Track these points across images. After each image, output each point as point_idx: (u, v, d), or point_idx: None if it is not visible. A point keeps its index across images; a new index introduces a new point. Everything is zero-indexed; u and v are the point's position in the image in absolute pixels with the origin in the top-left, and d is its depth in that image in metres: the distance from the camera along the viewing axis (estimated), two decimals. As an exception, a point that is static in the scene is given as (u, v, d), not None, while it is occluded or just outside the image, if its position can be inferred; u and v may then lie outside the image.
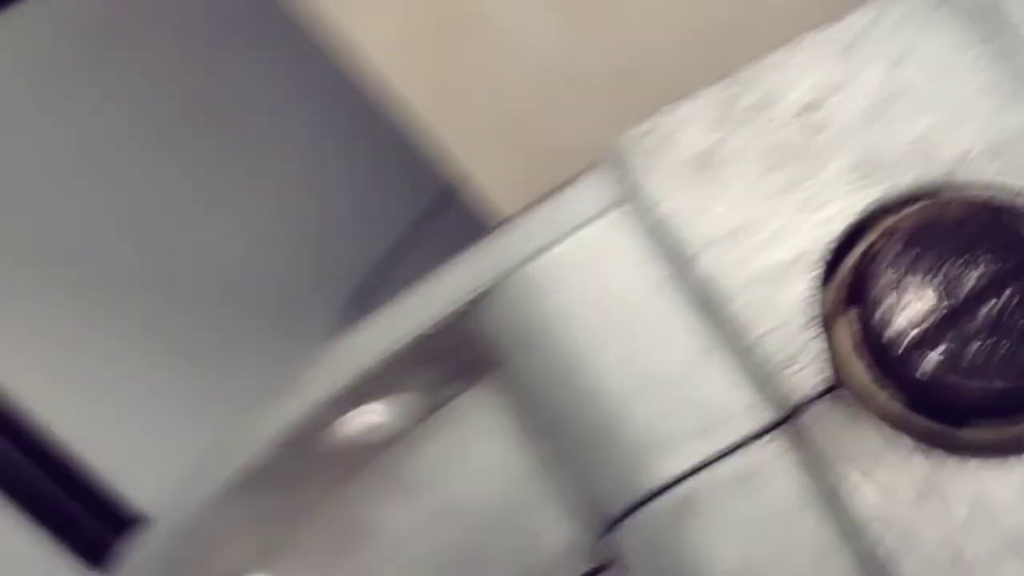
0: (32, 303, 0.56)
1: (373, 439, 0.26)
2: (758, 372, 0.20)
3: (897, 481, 0.19)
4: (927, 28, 0.21)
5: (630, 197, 0.22)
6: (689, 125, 0.21)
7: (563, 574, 0.24)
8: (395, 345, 0.23)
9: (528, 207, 0.22)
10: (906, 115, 0.21)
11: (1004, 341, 0.18)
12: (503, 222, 0.23)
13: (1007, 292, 0.19)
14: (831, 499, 0.19)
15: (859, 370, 0.20)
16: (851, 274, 0.20)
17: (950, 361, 0.18)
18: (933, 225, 0.19)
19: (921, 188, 0.20)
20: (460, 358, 0.24)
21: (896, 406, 0.19)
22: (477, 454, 0.25)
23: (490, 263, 0.22)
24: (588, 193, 0.22)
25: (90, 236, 0.59)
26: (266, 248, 0.58)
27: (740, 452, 0.20)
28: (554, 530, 0.23)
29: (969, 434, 0.19)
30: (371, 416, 0.25)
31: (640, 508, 0.21)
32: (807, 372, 0.20)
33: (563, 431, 0.22)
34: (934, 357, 0.18)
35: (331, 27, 0.48)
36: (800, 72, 0.21)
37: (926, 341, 0.19)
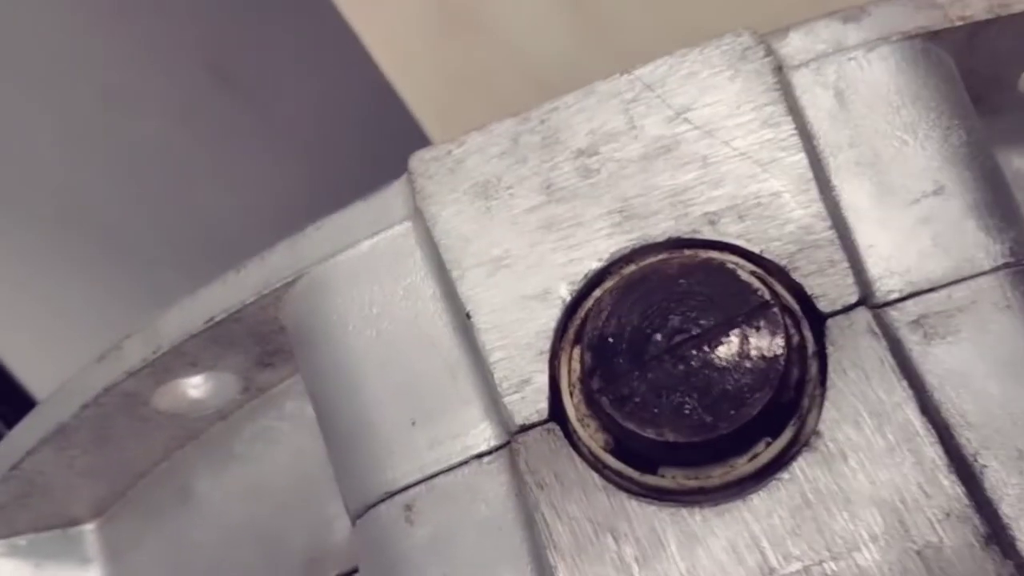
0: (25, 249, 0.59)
1: (195, 412, 0.28)
2: (491, 395, 0.22)
3: (580, 515, 0.20)
4: (712, 87, 0.22)
5: (414, 216, 0.23)
6: (475, 155, 0.23)
7: (349, 561, 0.26)
8: (192, 327, 0.24)
9: (338, 212, 0.24)
10: (671, 169, 0.22)
11: (689, 397, 0.19)
12: (312, 224, 0.24)
13: (700, 350, 0.20)
14: (528, 523, 0.21)
15: (571, 406, 0.21)
16: (584, 316, 0.21)
17: (635, 408, 0.19)
18: (650, 278, 0.20)
19: (668, 241, 0.21)
20: (267, 346, 0.26)
21: (594, 445, 0.20)
22: (287, 439, 0.27)
23: (291, 259, 0.24)
24: (381, 206, 0.23)
25: (94, 188, 0.62)
26: (264, 215, 0.60)
27: (462, 468, 0.22)
28: (345, 519, 0.25)
29: (651, 480, 0.20)
30: (190, 390, 0.27)
31: (370, 510, 0.22)
32: (529, 401, 0.21)
33: (329, 428, 0.24)
34: (624, 401, 0.20)
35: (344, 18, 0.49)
36: (584, 117, 0.22)
37: (622, 386, 0.20)
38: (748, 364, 0.19)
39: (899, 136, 0.22)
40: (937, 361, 0.20)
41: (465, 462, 0.21)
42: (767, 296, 0.19)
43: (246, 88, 0.60)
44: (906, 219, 0.21)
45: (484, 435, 0.21)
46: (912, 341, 0.20)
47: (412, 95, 0.50)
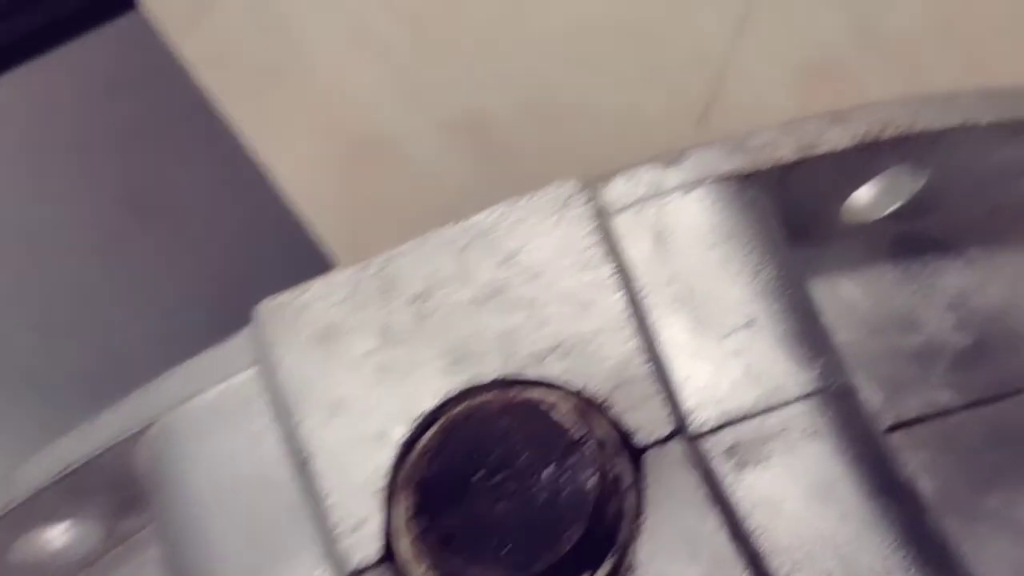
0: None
1: (57, 562, 0.28)
2: (327, 536, 0.22)
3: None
4: (536, 234, 0.23)
5: (260, 360, 0.24)
6: (319, 301, 0.24)
7: None
8: (48, 477, 0.25)
9: (191, 359, 0.25)
10: (500, 311, 0.23)
11: (508, 534, 0.20)
12: (169, 370, 0.25)
13: (518, 488, 0.20)
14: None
15: (406, 543, 0.22)
16: (416, 456, 0.22)
17: (459, 546, 0.20)
18: (473, 418, 0.21)
19: (496, 381, 0.22)
20: (125, 494, 0.26)
21: (428, 582, 0.21)
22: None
23: (142, 408, 0.25)
24: (228, 354, 0.24)
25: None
26: (176, 343, 0.60)
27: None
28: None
29: (483, 618, 0.20)
30: (51, 541, 0.27)
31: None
32: (363, 543, 0.22)
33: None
34: (448, 540, 0.20)
35: (251, 147, 0.51)
36: (420, 263, 0.24)
37: (446, 524, 0.20)
38: (562, 500, 0.20)
39: (713, 273, 0.23)
40: (749, 488, 0.21)
41: (303, 607, 0.22)
42: (580, 434, 0.20)
43: (160, 221, 0.61)
44: (720, 351, 0.22)
45: (322, 579, 0.22)
46: (725, 470, 0.21)
47: (321, 225, 0.51)
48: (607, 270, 0.23)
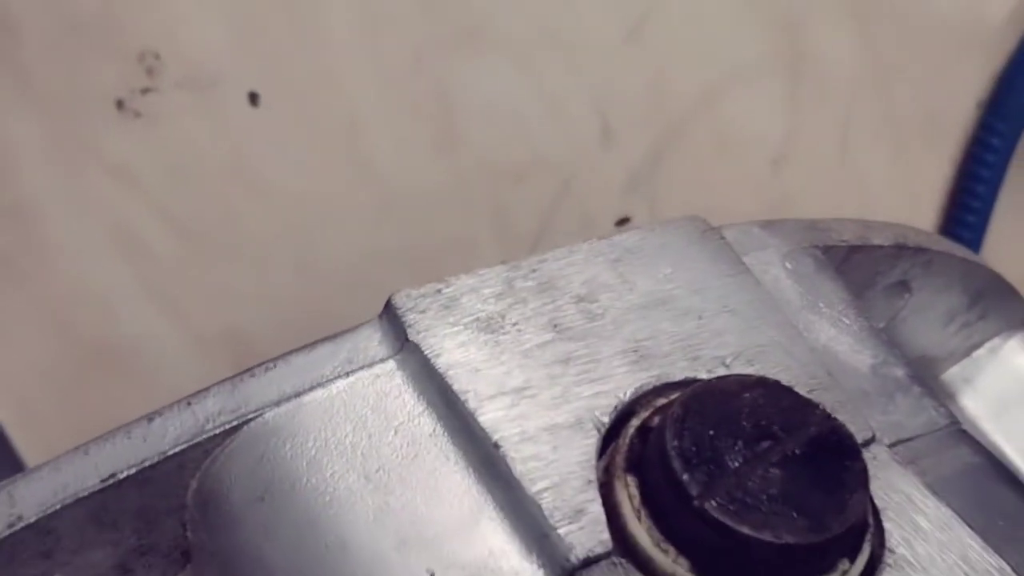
0: None
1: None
2: (534, 530, 0.18)
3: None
4: (685, 257, 0.23)
5: (404, 350, 0.20)
6: (470, 294, 0.21)
7: None
8: (82, 486, 0.19)
9: (293, 351, 0.20)
10: (671, 319, 0.22)
11: (792, 499, 0.18)
12: (263, 363, 0.20)
13: (788, 456, 0.19)
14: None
15: (641, 532, 0.18)
16: (629, 444, 0.19)
17: (741, 514, 0.18)
18: (712, 394, 0.19)
19: (688, 380, 0.21)
20: (145, 539, 0.20)
21: (680, 570, 0.18)
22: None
23: (232, 405, 0.20)
24: (354, 346, 0.20)
25: None
26: None
27: (511, 619, 0.18)
28: None
29: (754, 600, 0.18)
30: None
31: None
32: (586, 533, 0.18)
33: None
34: (726, 510, 0.18)
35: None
36: (576, 270, 0.22)
37: (719, 497, 0.18)
38: (839, 468, 0.18)
39: (837, 317, 0.24)
40: (940, 489, 0.21)
41: (512, 614, 0.18)
42: (828, 410, 0.19)
43: None
44: (873, 382, 0.23)
45: (531, 579, 0.18)
46: (917, 472, 0.21)
47: (30, 449, 0.44)
48: (762, 292, 0.23)
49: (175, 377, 0.44)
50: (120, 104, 0.43)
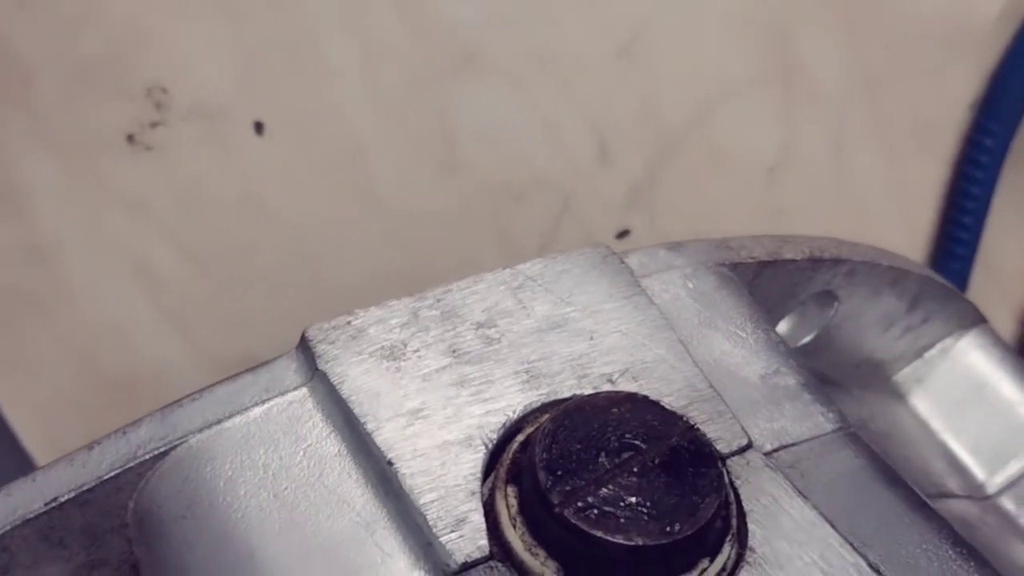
0: None
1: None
2: (420, 539, 0.21)
3: (547, 642, 0.19)
4: (583, 282, 0.25)
5: (314, 379, 0.23)
6: (377, 324, 0.23)
7: None
8: (29, 509, 0.21)
9: (217, 382, 0.23)
10: (564, 340, 0.24)
11: (645, 505, 0.20)
12: (190, 394, 0.23)
13: (646, 466, 0.21)
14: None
15: (516, 538, 0.21)
16: (512, 457, 0.22)
17: (597, 519, 0.20)
18: (584, 409, 0.21)
19: (575, 397, 0.23)
20: (94, 553, 0.23)
21: (548, 572, 0.20)
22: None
23: (162, 431, 0.22)
24: (271, 376, 0.23)
25: None
26: None
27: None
28: None
29: (614, 598, 0.20)
30: None
31: None
32: (466, 540, 0.20)
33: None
34: (585, 513, 0.20)
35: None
36: (478, 298, 0.24)
37: (579, 503, 0.20)
38: (693, 475, 0.20)
39: (731, 330, 0.26)
40: (818, 493, 0.22)
41: (395, 615, 0.20)
42: (692, 421, 0.21)
43: None
44: (761, 389, 0.24)
45: (415, 584, 0.20)
46: (794, 477, 0.23)
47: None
48: (655, 312, 0.25)
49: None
50: (131, 138, 0.45)
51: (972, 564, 0.22)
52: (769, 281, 0.29)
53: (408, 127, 0.47)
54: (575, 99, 0.50)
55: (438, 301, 0.24)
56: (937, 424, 0.36)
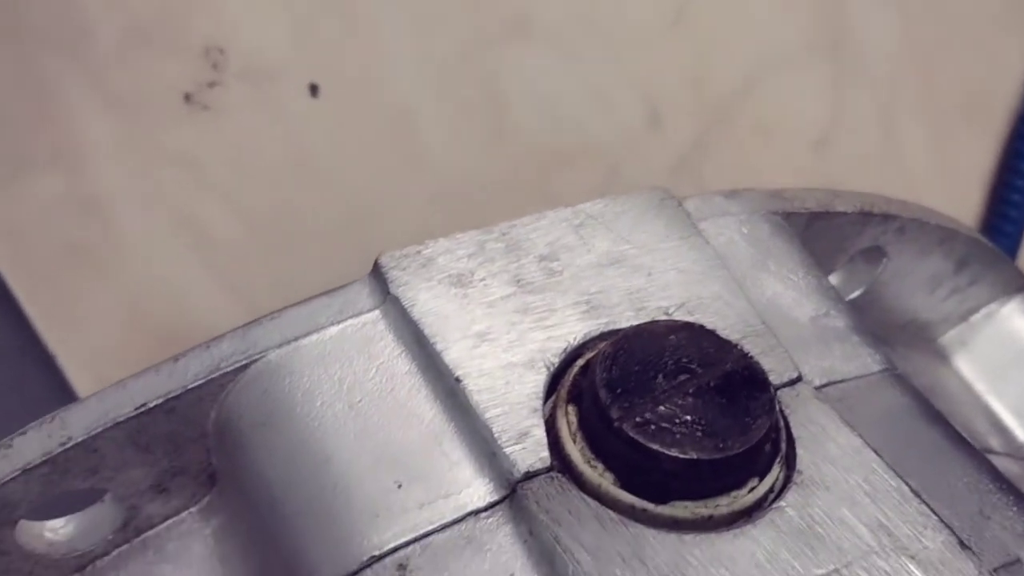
0: None
1: (65, 551, 0.24)
2: (485, 450, 0.22)
3: (604, 546, 0.20)
4: (642, 222, 0.26)
5: (386, 302, 0.24)
6: (446, 254, 0.24)
7: None
8: (119, 412, 0.23)
9: (294, 304, 0.24)
10: (623, 276, 0.25)
11: (700, 423, 0.21)
12: (269, 313, 0.24)
13: (701, 387, 0.22)
14: (547, 561, 0.20)
15: (575, 451, 0.22)
16: (573, 379, 0.23)
17: (654, 433, 0.21)
18: (643, 335, 0.23)
19: (633, 327, 0.24)
20: (177, 461, 0.24)
21: (605, 483, 0.21)
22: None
23: (243, 346, 0.24)
24: (345, 299, 0.24)
25: None
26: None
27: (461, 524, 0.21)
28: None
29: (666, 511, 0.21)
30: (49, 533, 0.24)
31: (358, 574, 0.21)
32: (528, 452, 0.22)
33: (291, 509, 0.22)
34: (643, 428, 0.21)
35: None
36: (541, 233, 0.25)
37: (636, 419, 0.21)
38: (744, 398, 0.21)
39: (784, 274, 0.27)
40: (864, 425, 0.23)
41: (461, 519, 0.21)
42: (746, 349, 0.22)
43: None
44: (811, 329, 0.25)
45: (478, 493, 0.21)
46: (842, 409, 0.24)
47: None
48: (710, 252, 0.26)
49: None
50: (188, 97, 0.46)
51: (1011, 497, 0.23)
52: (820, 232, 0.30)
53: (458, 92, 0.48)
54: (625, 66, 0.51)
55: (503, 235, 0.25)
56: (981, 386, 0.36)
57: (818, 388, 0.24)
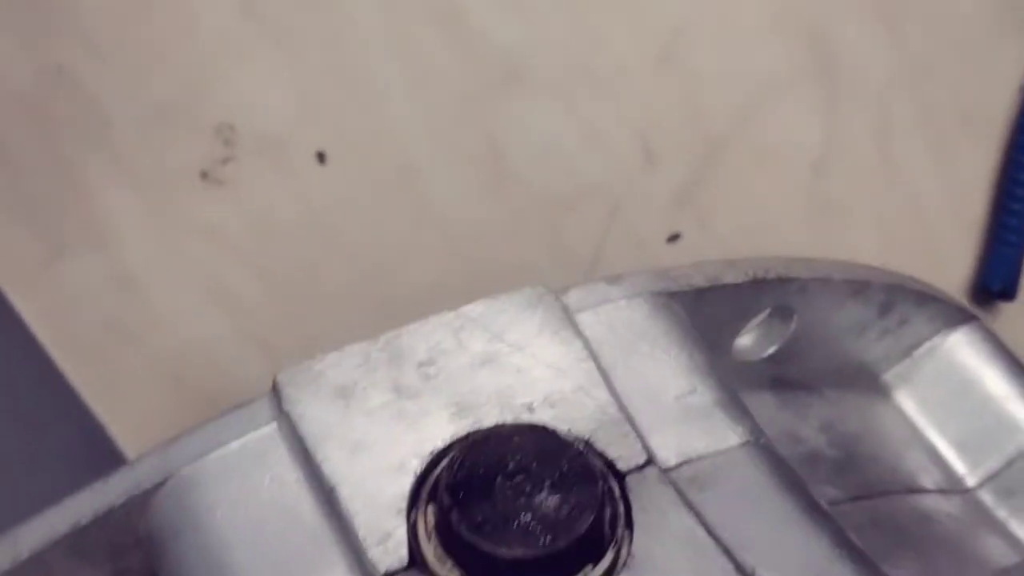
0: None
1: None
2: (356, 552, 0.25)
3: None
4: (518, 320, 0.29)
5: (279, 418, 0.27)
6: (335, 367, 0.28)
7: None
8: (56, 532, 0.27)
9: (208, 420, 0.28)
10: (494, 374, 0.28)
11: (531, 521, 0.24)
12: (187, 429, 0.28)
13: (536, 487, 0.25)
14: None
15: (429, 550, 0.25)
16: (434, 481, 0.26)
17: (489, 534, 0.24)
18: (491, 439, 0.25)
19: (496, 426, 0.27)
20: (119, 563, 0.28)
21: (455, 578, 0.24)
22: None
23: (160, 462, 0.27)
24: (248, 413, 0.28)
25: None
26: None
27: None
28: None
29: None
30: None
31: None
32: (391, 551, 0.25)
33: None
34: (479, 528, 0.24)
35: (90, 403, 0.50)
36: (422, 338, 0.28)
37: (476, 520, 0.24)
38: (575, 494, 0.24)
39: (658, 355, 0.29)
40: (713, 502, 0.26)
41: (333, 614, 0.24)
42: (582, 447, 0.25)
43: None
44: (674, 409, 0.28)
45: (351, 589, 0.25)
46: (691, 490, 0.26)
47: None
48: (579, 345, 0.28)
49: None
50: (204, 175, 0.50)
51: (850, 564, 0.25)
52: (713, 304, 0.32)
53: (458, 145, 0.51)
54: (618, 106, 0.53)
55: (388, 344, 0.28)
56: (921, 421, 0.38)
57: (671, 468, 0.27)
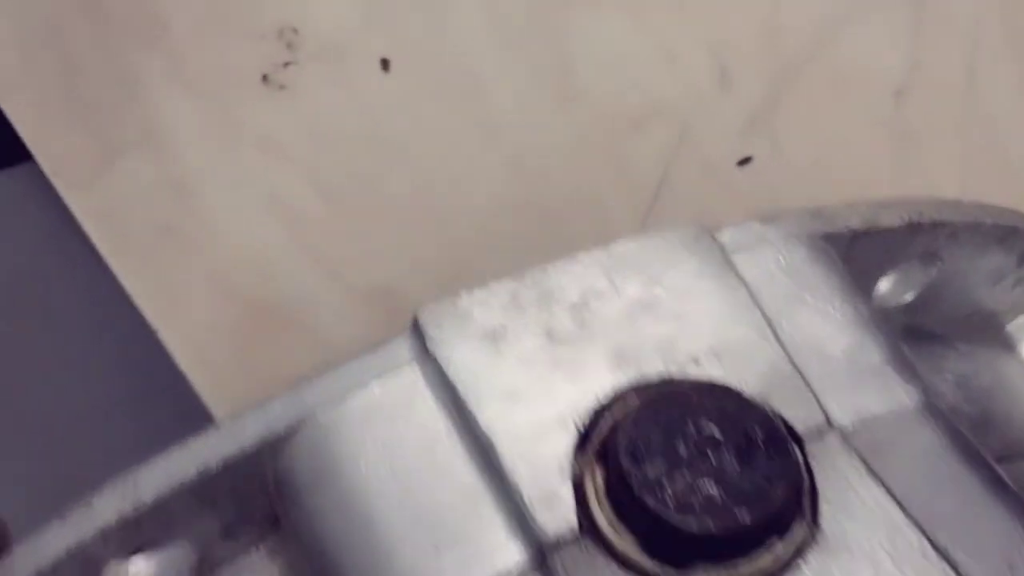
0: None
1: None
2: (516, 513, 0.23)
3: (627, 612, 0.21)
4: (675, 262, 0.26)
5: (425, 359, 0.25)
6: (481, 307, 0.25)
7: None
8: (184, 476, 0.24)
9: (341, 361, 0.25)
10: (653, 322, 0.25)
11: (719, 492, 0.22)
12: (317, 370, 0.25)
13: (722, 453, 0.23)
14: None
15: (601, 516, 0.23)
16: (601, 438, 0.24)
17: (673, 504, 0.22)
18: (667, 397, 0.23)
19: (662, 380, 0.25)
20: (242, 510, 0.26)
21: (629, 547, 0.22)
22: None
23: (294, 406, 0.25)
24: (387, 355, 0.25)
25: None
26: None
27: (493, 586, 0.22)
28: None
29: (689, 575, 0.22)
30: (141, 568, 0.26)
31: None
32: (557, 515, 0.23)
33: (338, 568, 0.24)
34: (662, 501, 0.22)
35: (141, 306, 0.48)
36: (573, 279, 0.26)
37: (657, 488, 0.22)
38: (766, 462, 0.22)
39: (821, 305, 0.27)
40: (895, 471, 0.24)
41: (494, 579, 0.22)
42: (768, 410, 0.23)
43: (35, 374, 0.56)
44: (843, 365, 0.26)
45: (512, 554, 0.23)
46: (873, 457, 0.24)
47: (208, 389, 0.50)
48: (744, 292, 0.26)
49: (333, 330, 0.48)
50: (265, 78, 0.48)
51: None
52: (866, 249, 0.30)
53: (526, 58, 0.48)
54: (693, 24, 0.50)
55: (536, 283, 0.26)
56: (1044, 372, 0.36)
57: (848, 430, 0.25)
